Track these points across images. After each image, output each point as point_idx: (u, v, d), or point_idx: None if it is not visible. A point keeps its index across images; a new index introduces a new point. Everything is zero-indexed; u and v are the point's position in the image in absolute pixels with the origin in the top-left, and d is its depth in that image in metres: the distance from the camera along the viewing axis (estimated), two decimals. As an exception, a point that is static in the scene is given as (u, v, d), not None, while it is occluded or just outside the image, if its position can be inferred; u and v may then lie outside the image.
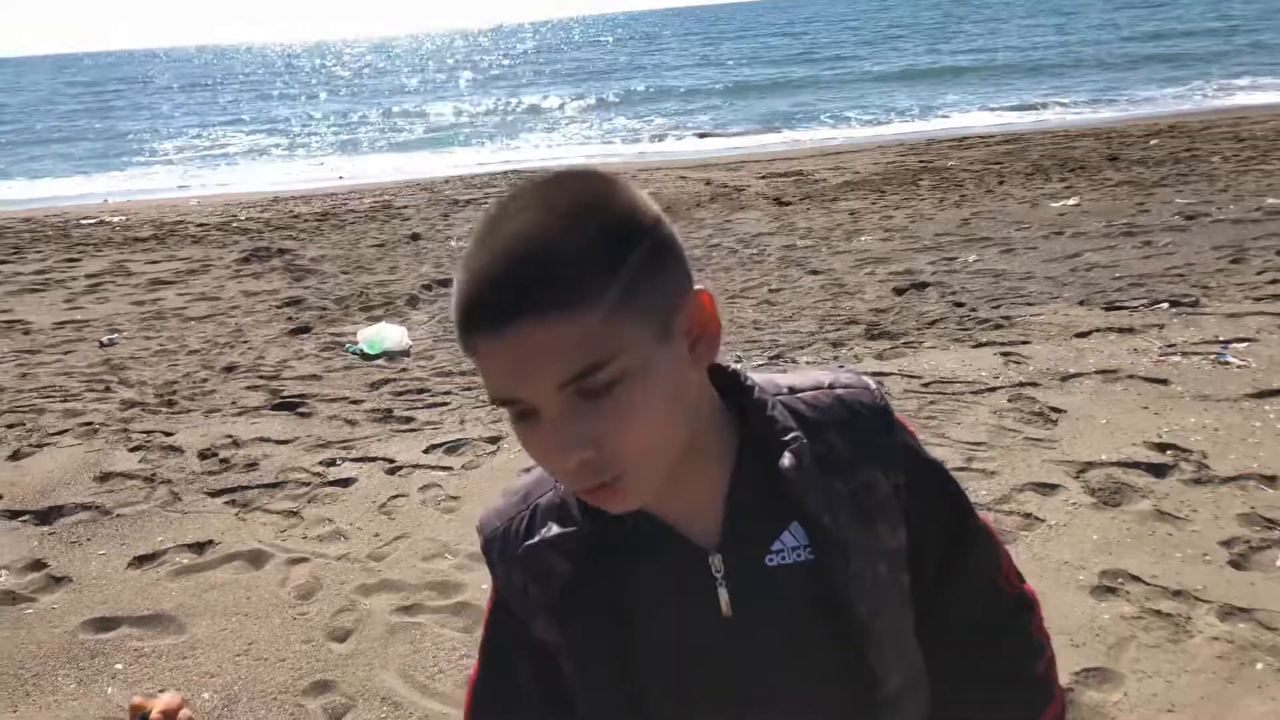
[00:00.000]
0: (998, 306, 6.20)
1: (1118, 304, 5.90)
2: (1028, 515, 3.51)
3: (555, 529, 0.91)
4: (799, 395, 0.93)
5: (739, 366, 0.94)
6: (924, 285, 6.93)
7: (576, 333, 0.72)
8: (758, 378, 0.95)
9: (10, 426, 5.22)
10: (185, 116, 35.22)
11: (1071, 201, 9.30)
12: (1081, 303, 6.05)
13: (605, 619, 0.89)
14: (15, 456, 4.80)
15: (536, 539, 0.92)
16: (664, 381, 0.77)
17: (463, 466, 4.41)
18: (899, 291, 6.86)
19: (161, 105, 42.10)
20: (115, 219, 12.88)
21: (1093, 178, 10.46)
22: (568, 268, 0.72)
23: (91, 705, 2.96)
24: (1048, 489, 3.67)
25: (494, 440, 4.65)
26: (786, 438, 0.88)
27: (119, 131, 30.03)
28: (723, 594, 0.88)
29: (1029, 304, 6.17)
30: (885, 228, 9.05)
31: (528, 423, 0.77)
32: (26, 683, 3.07)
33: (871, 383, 0.96)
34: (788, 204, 10.75)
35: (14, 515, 4.16)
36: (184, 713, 0.97)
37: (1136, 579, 3.07)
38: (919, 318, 6.17)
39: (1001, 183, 10.76)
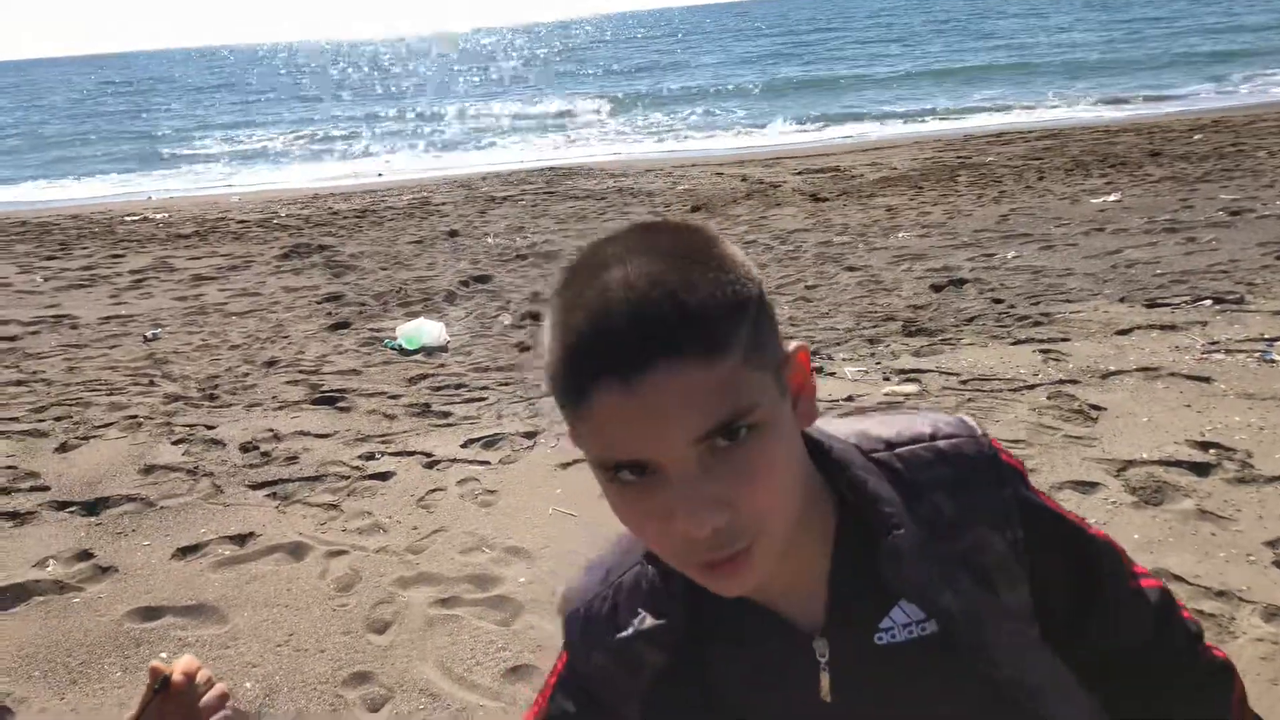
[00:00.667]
0: (1037, 303, 6.13)
1: (1160, 301, 5.81)
2: (1067, 514, 3.46)
3: (649, 620, 0.85)
4: (897, 452, 0.86)
5: (827, 439, 0.87)
6: (962, 282, 6.87)
7: (717, 379, 0.66)
8: (851, 427, 0.89)
9: (58, 419, 5.34)
10: (221, 116, 35.73)
11: (1112, 197, 9.17)
12: (1122, 300, 5.96)
13: (699, 710, 0.85)
14: (63, 449, 4.90)
15: (630, 631, 0.86)
16: (787, 439, 0.72)
17: (500, 461, 4.45)
18: (937, 288, 6.81)
19: (195, 105, 42.71)
20: (158, 216, 13.12)
21: (1134, 173, 10.30)
22: (704, 310, 0.66)
23: (137, 693, 3.00)
24: (1088, 487, 3.63)
25: (530, 435, 4.68)
26: (886, 512, 0.82)
27: (157, 131, 30.55)
28: (824, 678, 0.83)
29: (1069, 301, 6.10)
30: (923, 224, 8.97)
31: (643, 487, 0.69)
32: (74, 670, 3.14)
33: (977, 428, 0.88)
34: (824, 200, 10.70)
35: (62, 506, 4.26)
36: (203, 673, 0.98)
37: (1178, 579, 3.03)
38: (957, 314, 6.12)
39: (1041, 178, 10.63)
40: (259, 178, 18.95)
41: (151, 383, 5.97)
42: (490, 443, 4.66)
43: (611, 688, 0.89)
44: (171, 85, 62.68)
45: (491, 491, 4.14)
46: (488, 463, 4.43)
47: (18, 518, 4.15)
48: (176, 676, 0.96)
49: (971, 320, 5.95)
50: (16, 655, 3.21)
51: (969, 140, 14.35)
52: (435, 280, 8.30)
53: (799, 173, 12.79)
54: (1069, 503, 3.54)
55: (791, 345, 0.76)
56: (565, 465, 4.30)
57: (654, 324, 0.65)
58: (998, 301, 6.30)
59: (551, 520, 3.81)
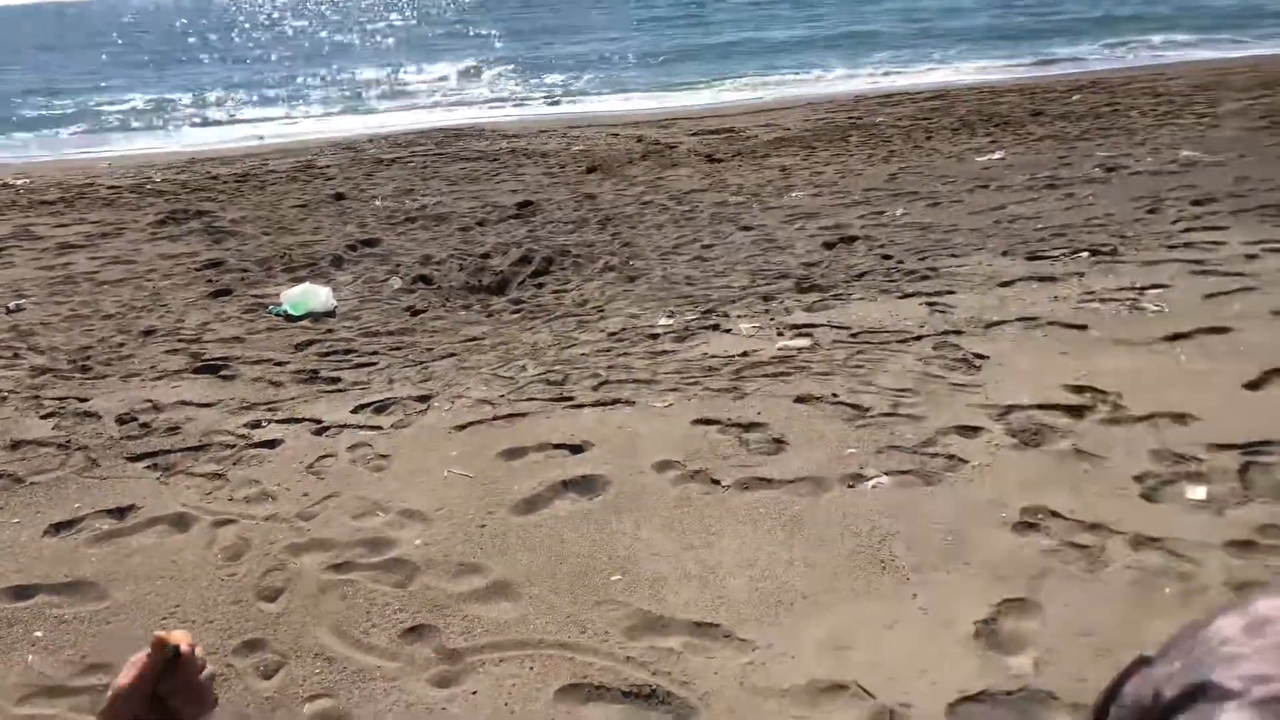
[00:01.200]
0: (924, 258, 6.29)
1: (1040, 254, 6.03)
2: (951, 457, 3.58)
3: None
4: None
5: None
6: (853, 239, 6.99)
7: None
8: None
9: (-87, 396, 4.99)
10: (77, 80, 33.56)
11: (996, 155, 9.46)
12: (1005, 253, 6.17)
13: None
14: (-80, 426, 4.59)
15: None
16: None
17: (392, 425, 4.35)
18: (829, 245, 6.92)
19: (44, 68, 39.96)
20: (19, 182, 12.32)
21: (1017, 132, 10.64)
22: None
23: (11, 673, 2.87)
24: (971, 431, 3.76)
25: (424, 399, 4.59)
26: None
27: (8, 94, 28.64)
28: None
29: (954, 255, 6.28)
30: (815, 183, 9.10)
31: None
32: (-62, 655, 2.96)
33: None
34: (719, 161, 10.74)
35: (-80, 486, 3.99)
36: (199, 650, 0.97)
37: (1055, 514, 3.17)
38: (848, 270, 6.23)
39: (929, 138, 10.89)
40: (130, 143, 17.97)
41: (16, 355, 5.63)
42: (382, 407, 4.55)
43: None
44: (11, 47, 58.60)
45: (384, 456, 4.04)
46: (379, 428, 4.33)
47: None
48: (185, 648, 0.92)
49: (861, 276, 6.07)
50: None
51: (860, 101, 14.58)
52: (321, 245, 8.04)
53: (694, 134, 12.80)
54: (953, 447, 3.66)
55: None
56: (460, 427, 4.23)
57: None
58: (887, 258, 6.44)
59: (447, 482, 3.75)
